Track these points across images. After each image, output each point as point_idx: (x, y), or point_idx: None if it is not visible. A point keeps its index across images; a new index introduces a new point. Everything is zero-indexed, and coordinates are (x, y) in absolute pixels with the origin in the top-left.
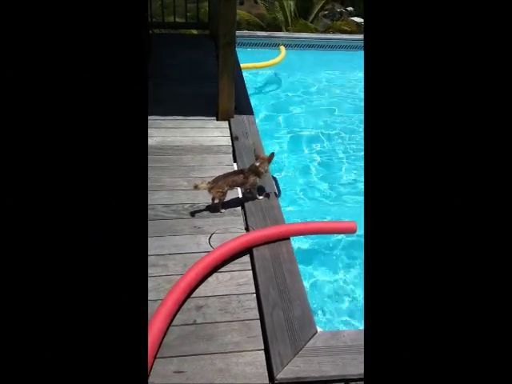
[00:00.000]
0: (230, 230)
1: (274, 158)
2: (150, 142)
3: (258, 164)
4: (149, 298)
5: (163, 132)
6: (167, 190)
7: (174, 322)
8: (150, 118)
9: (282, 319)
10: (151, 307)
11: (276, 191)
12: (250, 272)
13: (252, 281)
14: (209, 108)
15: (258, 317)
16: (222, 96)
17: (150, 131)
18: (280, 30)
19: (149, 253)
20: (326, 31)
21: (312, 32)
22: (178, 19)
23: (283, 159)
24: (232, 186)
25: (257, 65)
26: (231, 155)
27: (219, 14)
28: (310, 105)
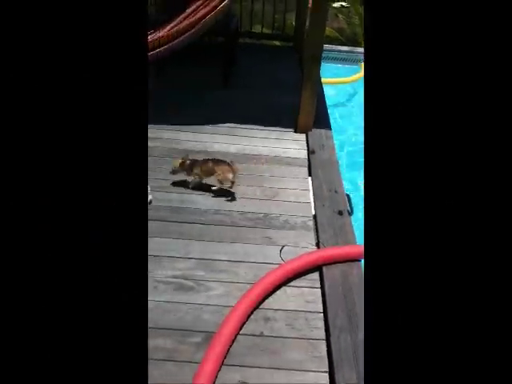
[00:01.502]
0: (299, 244)
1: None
2: (230, 149)
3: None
4: (219, 304)
5: (238, 140)
6: (243, 198)
7: (242, 331)
8: (227, 125)
9: (348, 344)
10: (221, 313)
11: (349, 209)
12: (319, 290)
13: (320, 299)
14: (286, 119)
15: (324, 337)
16: (303, 109)
17: (227, 138)
18: (360, 46)
19: (222, 258)
20: None
21: None
22: (264, 30)
23: (357, 175)
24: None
25: (336, 80)
26: (306, 168)
27: (309, 26)
28: None
